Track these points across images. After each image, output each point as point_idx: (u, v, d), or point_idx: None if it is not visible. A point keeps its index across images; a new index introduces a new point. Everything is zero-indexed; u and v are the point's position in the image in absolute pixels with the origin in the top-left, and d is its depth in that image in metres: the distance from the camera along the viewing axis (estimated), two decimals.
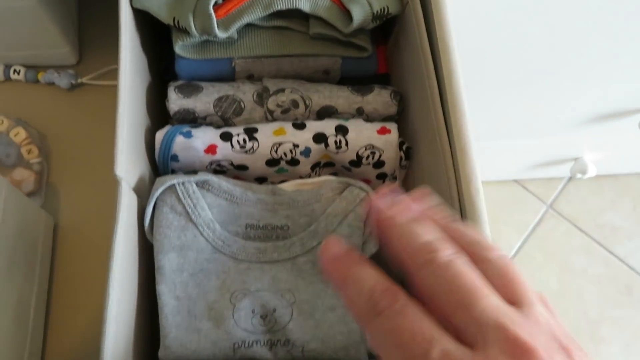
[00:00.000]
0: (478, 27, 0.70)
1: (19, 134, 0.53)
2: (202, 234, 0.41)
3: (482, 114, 0.94)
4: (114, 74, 0.58)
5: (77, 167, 0.56)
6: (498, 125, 1.00)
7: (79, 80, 0.57)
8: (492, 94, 0.87)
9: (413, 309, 0.22)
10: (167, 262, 0.40)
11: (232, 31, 0.45)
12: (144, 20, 0.47)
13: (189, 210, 0.40)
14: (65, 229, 0.54)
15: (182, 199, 0.40)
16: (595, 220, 1.30)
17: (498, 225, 1.29)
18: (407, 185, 0.49)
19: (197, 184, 0.41)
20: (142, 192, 0.43)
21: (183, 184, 0.41)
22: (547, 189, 1.33)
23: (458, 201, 0.38)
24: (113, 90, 0.48)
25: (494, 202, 1.30)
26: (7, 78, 0.58)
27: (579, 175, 1.16)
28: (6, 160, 0.54)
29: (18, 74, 0.57)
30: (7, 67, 0.57)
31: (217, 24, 0.44)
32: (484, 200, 0.37)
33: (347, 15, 0.46)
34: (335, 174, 0.49)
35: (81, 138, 0.57)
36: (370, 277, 0.23)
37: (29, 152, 0.53)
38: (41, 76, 0.57)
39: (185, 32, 0.44)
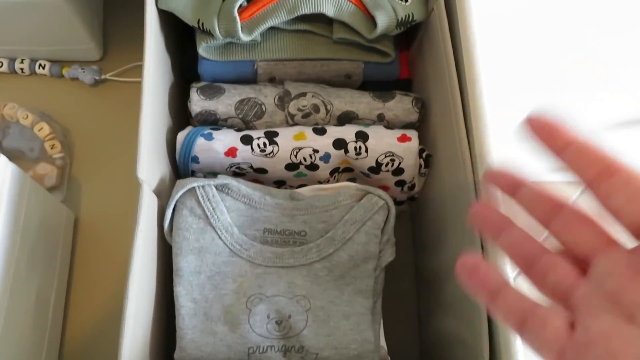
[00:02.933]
0: (503, 30, 0.69)
1: (43, 129, 0.53)
2: (220, 237, 0.41)
3: (501, 117, 0.93)
4: (137, 70, 0.58)
5: (99, 162, 0.57)
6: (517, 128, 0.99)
7: (103, 76, 0.58)
8: (516, 98, 0.86)
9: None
10: (185, 264, 0.40)
11: (256, 34, 0.45)
12: (169, 20, 0.47)
13: (208, 214, 0.41)
14: (86, 224, 0.55)
15: (202, 202, 0.41)
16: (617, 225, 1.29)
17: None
18: (426, 192, 0.49)
19: (216, 188, 0.42)
20: (163, 193, 0.43)
21: (203, 187, 0.41)
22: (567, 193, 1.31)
23: None
24: (136, 87, 0.49)
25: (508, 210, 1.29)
26: (33, 72, 0.58)
27: None
28: (30, 154, 0.55)
29: (43, 68, 0.58)
30: (33, 61, 0.58)
31: (241, 27, 0.44)
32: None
33: (372, 21, 0.45)
34: (354, 179, 0.49)
35: (103, 133, 0.57)
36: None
37: (52, 147, 0.54)
38: (65, 71, 0.58)
39: (209, 34, 0.44)
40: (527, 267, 0.25)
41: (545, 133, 0.25)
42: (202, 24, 0.44)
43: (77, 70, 0.58)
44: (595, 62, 0.78)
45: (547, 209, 0.25)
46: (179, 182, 0.41)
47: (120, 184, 0.53)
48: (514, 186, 0.27)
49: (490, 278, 0.25)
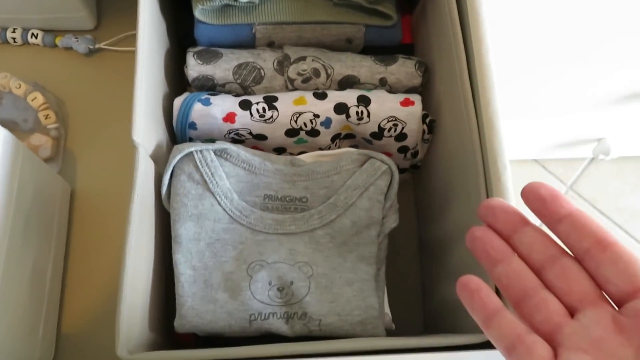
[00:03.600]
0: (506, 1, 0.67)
1: (37, 99, 0.52)
2: (219, 203, 0.40)
3: (504, 91, 0.91)
4: (132, 40, 0.57)
5: (94, 133, 0.55)
6: (520, 103, 0.97)
7: (97, 46, 0.56)
8: (517, 70, 0.85)
9: None
10: (184, 231, 0.39)
11: None
12: None
13: (207, 179, 0.40)
14: (82, 195, 0.54)
15: (200, 167, 0.40)
16: (615, 203, 1.28)
17: (516, 205, 1.27)
18: (430, 159, 0.48)
19: (215, 153, 0.40)
20: (160, 160, 0.42)
21: (201, 152, 0.40)
22: (568, 170, 1.30)
23: (484, 177, 0.37)
24: (131, 56, 0.47)
25: (512, 181, 1.28)
26: (25, 42, 0.57)
27: (601, 157, 1.13)
28: (24, 125, 0.53)
29: (36, 37, 0.56)
30: (25, 30, 0.56)
31: None
32: (510, 176, 0.36)
33: None
34: (355, 146, 0.48)
35: (98, 103, 0.56)
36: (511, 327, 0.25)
37: (47, 117, 0.52)
38: (59, 40, 0.57)
39: None
40: (518, 302, 0.26)
41: (541, 205, 0.26)
42: None
43: (71, 39, 0.56)
44: (607, 36, 0.77)
45: (546, 256, 0.26)
46: (177, 147, 0.40)
47: (116, 154, 0.53)
48: (513, 225, 0.27)
49: (489, 302, 0.26)
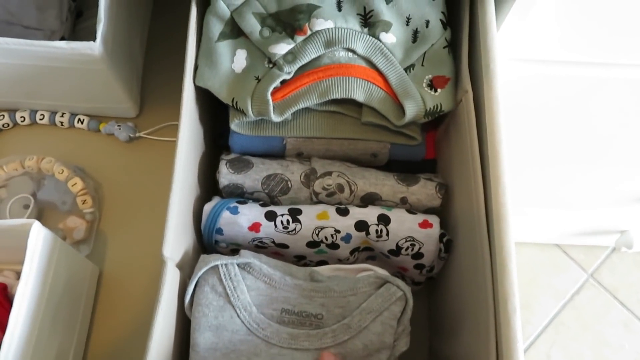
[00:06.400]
0: (525, 103, 0.70)
1: (76, 185, 0.55)
2: (238, 316, 0.42)
3: (527, 186, 0.93)
4: (169, 129, 0.60)
5: (127, 217, 0.58)
6: (544, 196, 0.98)
7: (137, 134, 0.60)
8: (541, 168, 0.86)
9: None
10: (203, 340, 0.41)
11: (287, 115, 0.46)
12: (204, 91, 0.49)
13: (229, 292, 0.42)
14: (109, 277, 0.56)
15: (224, 280, 0.42)
16: (637, 295, 1.26)
17: (534, 289, 1.26)
18: (444, 276, 0.49)
19: (239, 266, 0.43)
20: (186, 265, 0.44)
21: (226, 265, 0.42)
22: (589, 257, 1.29)
23: (494, 316, 0.38)
24: (169, 145, 0.50)
25: (533, 264, 1.28)
26: (71, 125, 0.61)
27: (624, 249, 1.13)
28: (62, 207, 0.57)
29: (82, 122, 0.60)
30: (73, 115, 0.60)
31: (273, 107, 0.45)
32: (519, 321, 0.37)
33: (400, 108, 0.46)
34: (373, 257, 0.49)
35: (133, 189, 0.59)
36: None
37: (84, 202, 0.55)
38: (102, 127, 0.60)
39: (243, 112, 0.46)
40: None
41: None
42: (236, 102, 0.46)
43: (114, 126, 0.60)
44: (628, 139, 0.78)
45: None
46: (203, 257, 0.42)
47: (145, 239, 0.55)
48: None
49: None
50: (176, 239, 0.42)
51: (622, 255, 1.29)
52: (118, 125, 0.60)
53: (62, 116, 0.60)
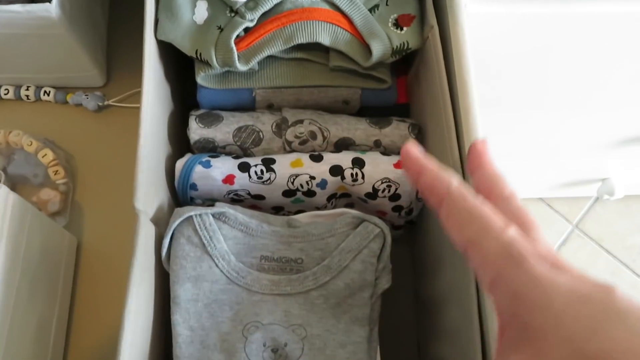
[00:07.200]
0: (502, 50, 0.69)
1: (47, 156, 0.54)
2: (217, 265, 0.41)
3: (506, 136, 0.93)
4: (139, 96, 0.59)
5: (102, 187, 0.57)
6: (523, 146, 0.99)
7: (106, 102, 0.59)
8: (517, 116, 0.86)
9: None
10: (183, 292, 0.41)
11: (253, 64, 0.45)
12: (169, 49, 0.48)
13: (205, 242, 0.41)
14: (89, 248, 0.55)
15: (199, 230, 0.41)
16: (622, 242, 1.28)
17: None
18: (423, 217, 0.49)
19: (214, 216, 0.42)
20: (161, 221, 0.44)
21: (200, 215, 0.42)
22: (574, 208, 1.31)
23: None
24: (138, 113, 0.48)
25: None
26: (38, 98, 0.60)
27: (606, 197, 1.14)
28: (34, 180, 0.56)
29: (48, 95, 0.59)
30: (38, 88, 0.59)
31: (238, 56, 0.45)
32: None
33: (367, 49, 0.46)
34: (351, 204, 0.49)
35: (106, 158, 0.58)
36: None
37: (56, 173, 0.54)
38: (70, 97, 0.59)
39: (208, 64, 0.45)
40: (439, 204, 0.29)
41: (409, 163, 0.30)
42: (200, 54, 0.45)
43: (81, 96, 0.59)
44: (608, 80, 0.78)
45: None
46: (177, 210, 0.42)
47: (122, 208, 0.54)
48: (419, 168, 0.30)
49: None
50: (149, 195, 0.41)
51: (605, 205, 1.30)
52: (86, 95, 0.59)
53: (27, 89, 0.59)
